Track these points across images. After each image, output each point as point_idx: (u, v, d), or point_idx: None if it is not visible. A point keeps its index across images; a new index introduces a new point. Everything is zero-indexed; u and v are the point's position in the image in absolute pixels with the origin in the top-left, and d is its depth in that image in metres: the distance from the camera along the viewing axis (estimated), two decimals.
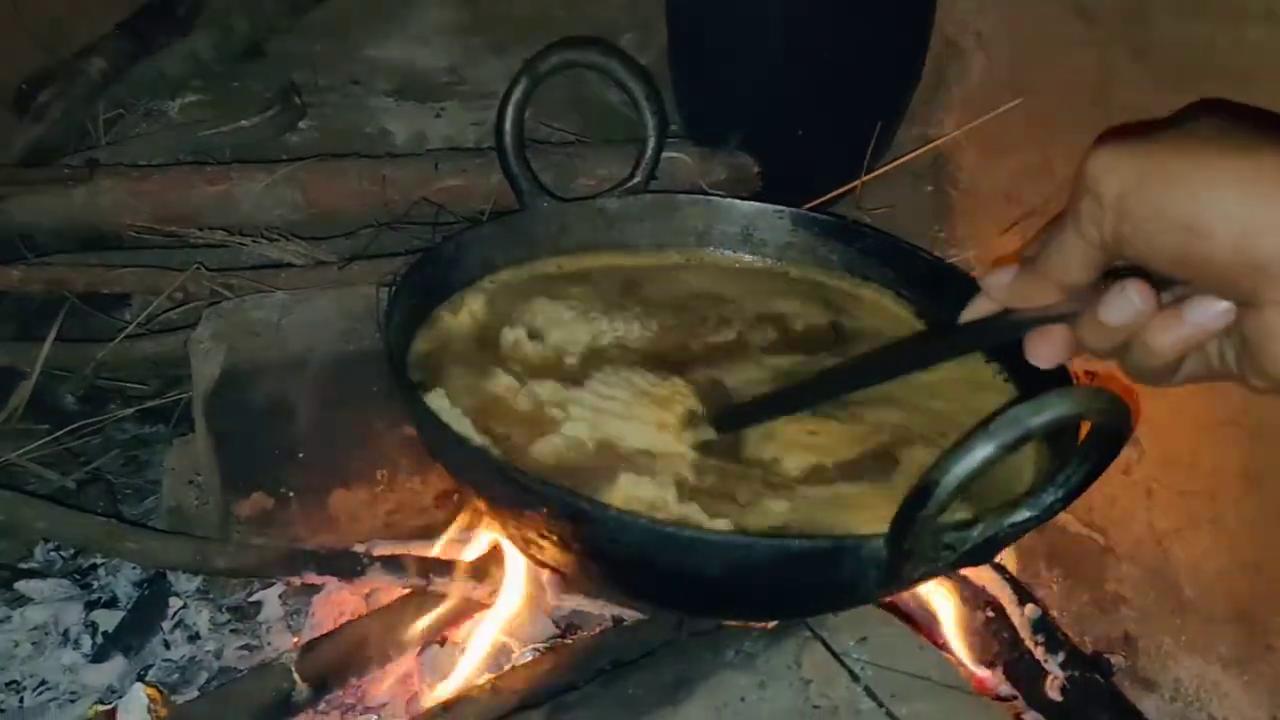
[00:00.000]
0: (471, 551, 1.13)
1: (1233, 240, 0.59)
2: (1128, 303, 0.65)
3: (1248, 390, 0.65)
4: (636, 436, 0.88)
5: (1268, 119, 0.63)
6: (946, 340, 0.83)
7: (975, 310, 0.76)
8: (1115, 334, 0.67)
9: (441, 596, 1.08)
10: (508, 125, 1.13)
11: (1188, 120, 0.64)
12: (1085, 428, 0.72)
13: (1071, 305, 0.69)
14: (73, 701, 1.10)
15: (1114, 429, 0.71)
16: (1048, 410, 0.66)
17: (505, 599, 1.07)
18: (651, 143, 1.18)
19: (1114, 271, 0.67)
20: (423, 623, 1.07)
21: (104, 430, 1.44)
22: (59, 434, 1.38)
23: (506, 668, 1.05)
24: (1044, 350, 0.73)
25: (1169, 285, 0.66)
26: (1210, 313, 0.63)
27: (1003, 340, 0.77)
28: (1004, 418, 0.66)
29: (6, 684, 1.12)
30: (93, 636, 1.16)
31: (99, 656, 1.14)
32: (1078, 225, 0.65)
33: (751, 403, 0.92)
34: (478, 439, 0.85)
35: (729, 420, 0.90)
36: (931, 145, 1.32)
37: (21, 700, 1.10)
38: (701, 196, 1.21)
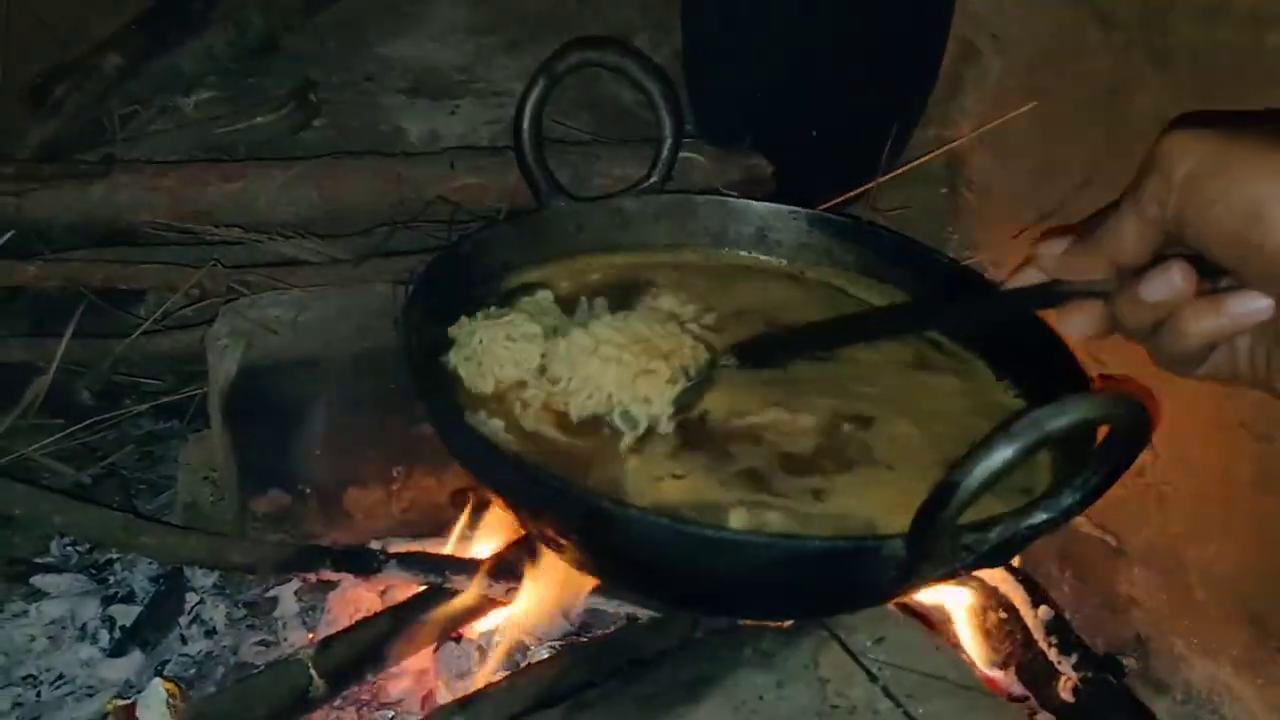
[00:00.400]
0: (488, 548, 1.14)
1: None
2: (1168, 281, 0.66)
3: (1275, 398, 0.65)
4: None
5: None
6: (990, 301, 0.86)
7: (1021, 279, 0.77)
8: (1151, 312, 0.68)
9: (457, 594, 1.08)
10: (526, 125, 1.13)
11: (1270, 116, 0.64)
12: (1101, 432, 0.73)
13: (1115, 283, 0.70)
14: (90, 696, 1.10)
15: (1133, 433, 0.71)
16: (1069, 413, 0.66)
17: (523, 597, 1.08)
18: (668, 143, 1.18)
19: (1162, 259, 0.68)
20: (438, 620, 1.08)
21: (119, 426, 1.45)
22: (75, 429, 1.38)
23: (523, 665, 1.06)
24: (1078, 322, 0.74)
25: (1215, 278, 0.66)
26: (1250, 307, 0.64)
27: (1042, 308, 0.79)
28: (1025, 420, 0.66)
29: (23, 678, 1.12)
30: (110, 631, 1.17)
31: (116, 651, 1.15)
32: (1141, 203, 0.66)
33: (781, 334, 0.94)
34: (500, 437, 0.86)
35: (753, 353, 0.92)
36: (946, 147, 1.32)
37: (39, 694, 1.11)
38: (717, 197, 1.21)
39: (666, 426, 0.89)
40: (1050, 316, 0.82)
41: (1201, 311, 0.66)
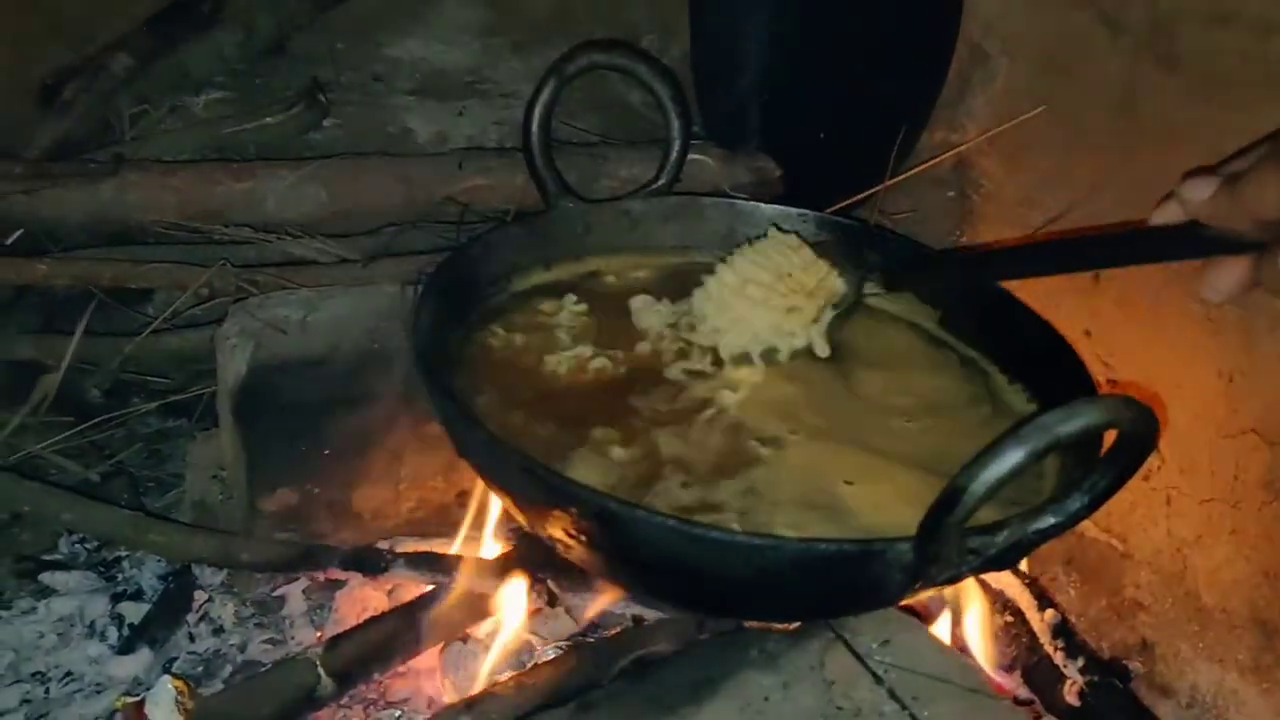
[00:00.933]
0: (495, 549, 1.14)
1: None
2: None
3: None
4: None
5: None
6: (1137, 243, 0.79)
7: (1164, 214, 0.73)
8: None
9: (464, 593, 1.09)
10: (535, 127, 1.14)
11: None
12: (1108, 437, 0.73)
13: (1264, 235, 0.67)
14: (99, 693, 1.11)
15: (1141, 437, 0.71)
16: (1078, 418, 0.67)
17: (528, 598, 1.08)
18: (676, 145, 1.19)
19: None
20: (446, 620, 1.08)
21: (128, 424, 1.45)
22: (83, 427, 1.39)
23: (530, 665, 1.06)
24: (1223, 282, 0.70)
25: None
26: None
27: (1186, 256, 0.74)
28: (1034, 424, 0.67)
29: (32, 675, 1.13)
30: (118, 628, 1.18)
31: (125, 648, 1.15)
32: None
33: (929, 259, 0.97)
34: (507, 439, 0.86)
35: (901, 276, 0.95)
36: (954, 151, 1.32)
37: (47, 691, 1.11)
38: (725, 199, 1.22)
39: (823, 349, 0.97)
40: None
41: None
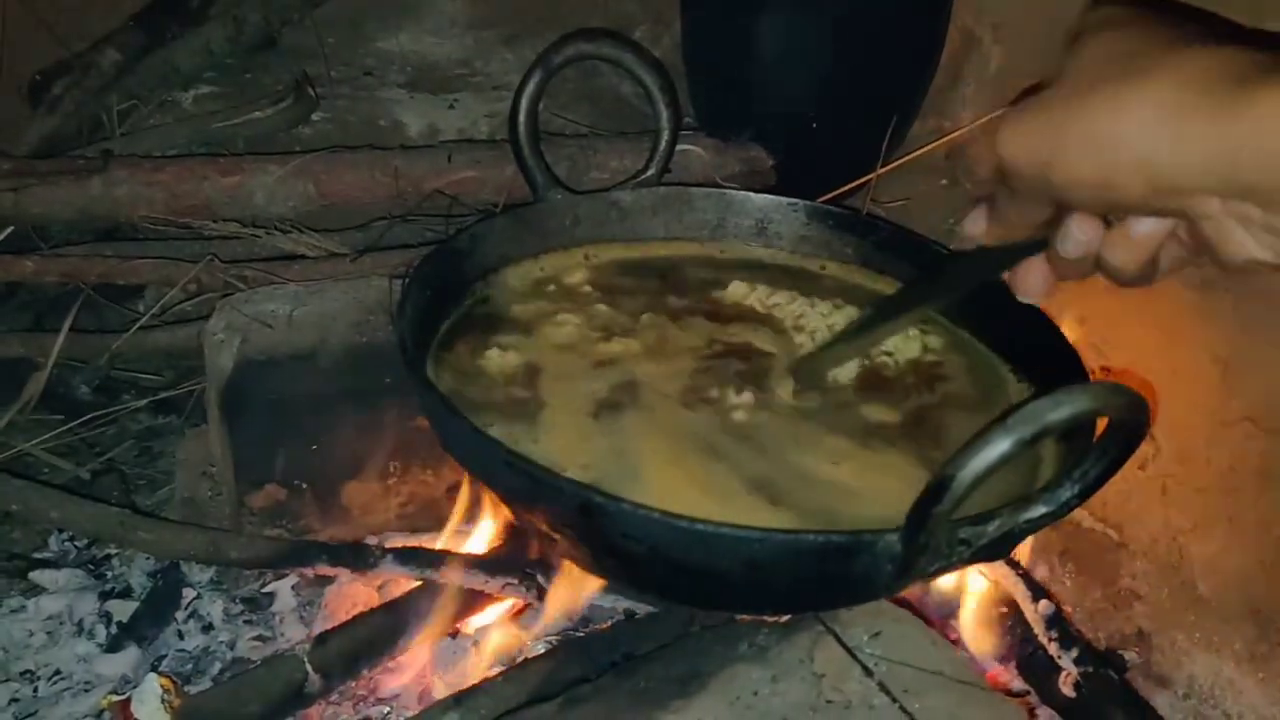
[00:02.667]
0: (483, 544, 1.13)
1: (1140, 187, 0.63)
2: (1073, 239, 0.71)
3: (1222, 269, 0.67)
4: None
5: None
6: (942, 281, 0.91)
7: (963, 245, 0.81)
8: (1078, 263, 0.72)
9: (453, 589, 1.08)
10: (522, 117, 1.12)
11: (1076, 57, 0.68)
12: (1101, 425, 0.72)
13: (1040, 235, 0.74)
14: (87, 691, 1.10)
15: (1132, 425, 0.70)
16: (1066, 405, 0.66)
17: (518, 594, 1.07)
18: (665, 135, 1.17)
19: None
20: (435, 615, 1.07)
21: (118, 421, 1.45)
22: (73, 424, 1.38)
23: (518, 660, 1.05)
24: (1030, 282, 0.78)
25: None
26: (1151, 225, 0.68)
27: (993, 275, 0.81)
28: (1022, 413, 0.66)
29: (21, 673, 1.12)
30: (107, 626, 1.17)
31: (113, 646, 1.14)
32: (1013, 196, 0.72)
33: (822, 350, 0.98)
34: (490, 431, 0.85)
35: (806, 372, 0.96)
36: (947, 138, 1.31)
37: (36, 690, 1.11)
38: (716, 189, 1.21)
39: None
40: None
41: (1118, 243, 0.70)
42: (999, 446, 0.66)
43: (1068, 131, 0.65)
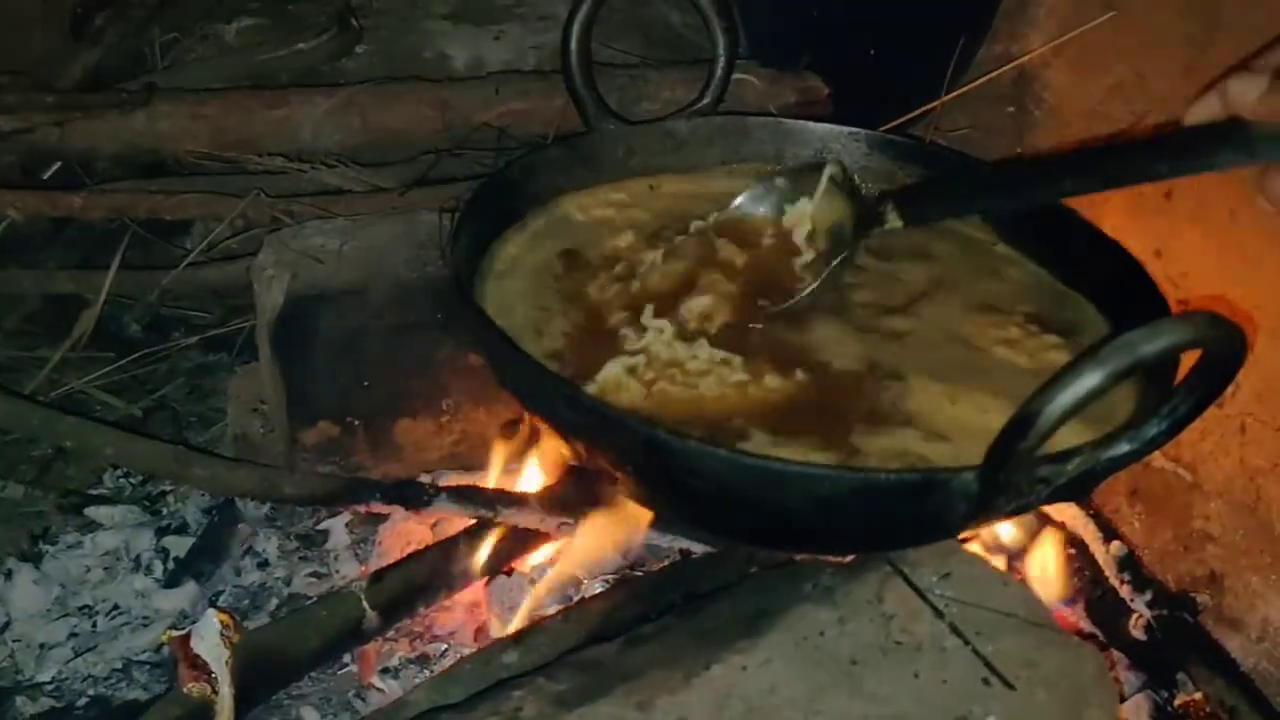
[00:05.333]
0: (538, 481, 1.12)
1: None
2: None
3: None
4: None
5: None
6: (1178, 149, 0.71)
7: (1202, 111, 0.68)
8: None
9: (509, 527, 1.07)
10: (573, 45, 1.09)
11: None
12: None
13: None
14: (145, 626, 1.11)
15: (1228, 357, 0.67)
16: (1162, 337, 0.62)
17: (576, 531, 1.06)
18: (721, 63, 1.14)
19: None
20: (490, 553, 1.06)
21: (169, 358, 1.44)
22: (124, 362, 1.38)
23: (576, 600, 1.04)
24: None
25: None
26: None
27: (1241, 163, 0.67)
28: (1115, 344, 0.62)
29: (80, 609, 1.13)
30: (164, 562, 1.17)
31: (171, 582, 1.15)
32: None
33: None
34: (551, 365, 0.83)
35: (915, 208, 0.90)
36: (1015, 63, 1.26)
37: (94, 625, 1.11)
38: (773, 119, 1.17)
39: None
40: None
41: None
42: (1090, 379, 0.62)
43: None
